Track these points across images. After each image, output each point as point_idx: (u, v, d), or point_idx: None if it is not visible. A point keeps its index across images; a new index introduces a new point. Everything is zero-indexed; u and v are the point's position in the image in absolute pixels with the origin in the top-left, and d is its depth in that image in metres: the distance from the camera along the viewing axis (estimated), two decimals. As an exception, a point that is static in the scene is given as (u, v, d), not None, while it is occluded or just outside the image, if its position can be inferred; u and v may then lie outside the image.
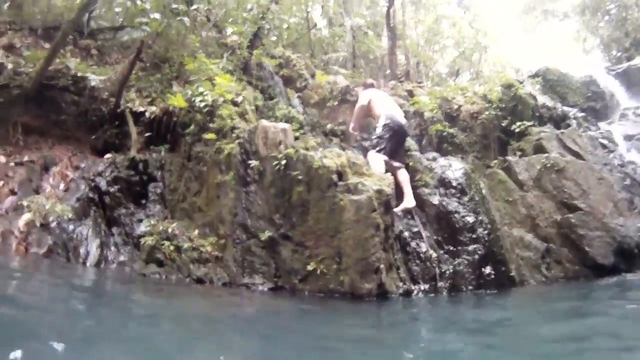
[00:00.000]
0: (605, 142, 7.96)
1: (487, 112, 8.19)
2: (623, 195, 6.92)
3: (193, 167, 6.40)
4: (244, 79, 7.87)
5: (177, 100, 6.77)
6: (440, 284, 5.50)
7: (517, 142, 7.94)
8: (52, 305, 3.96)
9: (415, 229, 5.84)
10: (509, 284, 5.77)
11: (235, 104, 6.74)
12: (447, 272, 5.61)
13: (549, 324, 4.15)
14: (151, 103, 7.75)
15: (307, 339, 3.60)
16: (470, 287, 5.60)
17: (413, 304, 5.11)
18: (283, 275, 5.20)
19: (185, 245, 5.60)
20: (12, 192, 6.60)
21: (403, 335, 3.96)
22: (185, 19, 8.17)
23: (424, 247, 5.67)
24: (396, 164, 6.30)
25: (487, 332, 3.97)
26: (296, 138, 6.23)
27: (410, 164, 6.53)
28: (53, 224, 5.98)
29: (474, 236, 5.90)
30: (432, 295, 5.38)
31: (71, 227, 6.01)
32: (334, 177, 5.24)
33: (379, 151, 6.27)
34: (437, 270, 5.54)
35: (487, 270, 5.73)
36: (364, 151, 6.71)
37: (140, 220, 6.22)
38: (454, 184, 6.31)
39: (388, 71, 10.85)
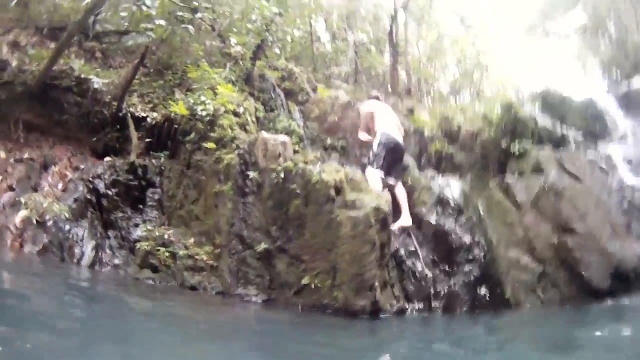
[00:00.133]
0: (603, 164, 7.96)
1: (487, 132, 8.21)
2: (621, 219, 6.89)
3: (192, 175, 6.40)
4: (245, 90, 7.89)
5: (178, 108, 6.79)
6: (434, 303, 5.49)
7: (516, 163, 7.94)
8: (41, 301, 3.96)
9: (411, 248, 5.84)
10: (503, 306, 5.74)
11: (236, 114, 6.75)
12: (442, 292, 5.60)
13: (540, 350, 4.12)
14: (153, 109, 7.77)
15: (295, 352, 3.58)
16: (464, 308, 5.58)
17: (406, 323, 5.10)
18: (277, 287, 5.19)
19: (181, 252, 5.60)
20: (10, 188, 6.59)
21: (392, 355, 3.94)
22: (190, 27, 8.20)
23: (419, 265, 5.66)
24: (392, 181, 6.31)
25: (478, 355, 3.96)
26: (296, 151, 6.25)
27: (409, 182, 6.54)
28: (49, 223, 5.97)
29: (470, 257, 5.89)
30: (426, 314, 5.36)
31: (67, 227, 6.00)
32: (332, 192, 5.24)
33: (375, 168, 6.29)
34: (432, 290, 5.54)
35: (482, 291, 5.72)
36: (363, 167, 6.72)
37: (137, 225, 6.23)
38: (452, 203, 6.32)
39: (389, 87, 10.89)
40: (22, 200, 6.16)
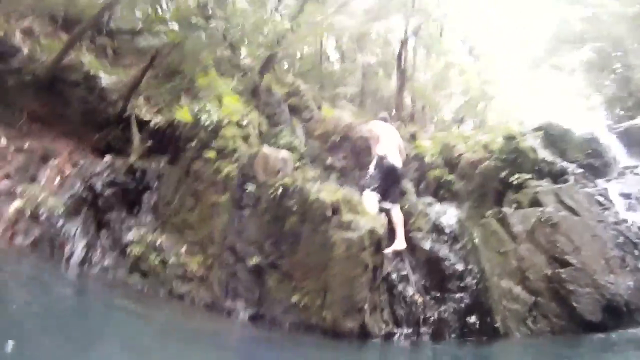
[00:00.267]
0: (601, 199, 7.96)
1: (487, 162, 8.23)
2: (616, 253, 6.88)
3: (190, 183, 6.40)
4: (251, 102, 7.93)
5: (183, 114, 6.81)
6: (423, 329, 5.45)
7: (514, 194, 7.94)
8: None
9: (403, 272, 5.82)
10: (493, 334, 5.71)
11: (239, 126, 6.79)
12: (432, 318, 5.56)
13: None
14: (158, 112, 7.80)
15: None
16: (453, 335, 5.54)
17: (393, 348, 5.06)
18: (265, 303, 5.15)
19: (172, 260, 5.58)
20: (7, 177, 6.57)
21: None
22: (202, 34, 8.27)
23: (410, 291, 5.63)
24: (388, 205, 6.32)
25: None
26: (296, 168, 6.25)
27: (406, 207, 6.55)
28: (42, 217, 5.97)
29: (462, 284, 5.88)
30: (414, 339, 5.32)
31: (60, 222, 6.00)
32: (328, 212, 5.24)
33: (372, 190, 6.31)
34: (422, 316, 5.50)
35: (472, 319, 5.69)
36: (361, 189, 6.73)
37: (130, 228, 6.21)
38: (447, 230, 6.32)
39: (394, 112, 10.96)
40: (18, 190, 6.13)
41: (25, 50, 7.48)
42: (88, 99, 7.65)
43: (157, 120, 7.53)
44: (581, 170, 9.10)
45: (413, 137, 9.11)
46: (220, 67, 8.82)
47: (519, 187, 8.00)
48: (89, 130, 7.64)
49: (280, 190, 5.50)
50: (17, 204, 6.04)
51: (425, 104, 12.27)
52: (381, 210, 6.15)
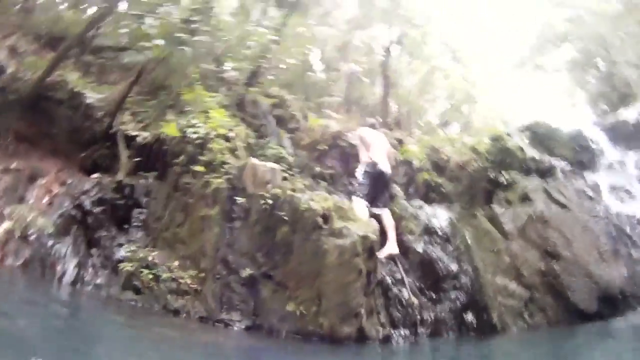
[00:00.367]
0: (590, 193, 8.07)
1: (475, 163, 8.29)
2: (607, 244, 6.99)
3: (179, 198, 6.37)
4: (237, 115, 7.93)
5: (170, 129, 6.79)
6: (420, 330, 5.47)
7: (503, 193, 8.00)
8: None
9: (397, 275, 5.83)
10: (490, 330, 5.77)
11: (227, 139, 6.77)
12: (429, 319, 5.59)
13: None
14: (144, 128, 7.76)
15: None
16: (451, 334, 5.59)
17: (392, 350, 5.06)
18: (261, 314, 5.13)
19: (165, 275, 5.53)
20: (-5, 198, 6.53)
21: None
22: (187, 49, 8.28)
23: (405, 293, 5.64)
24: (378, 210, 6.34)
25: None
26: (284, 179, 6.25)
27: (396, 211, 6.57)
28: (32, 237, 5.93)
29: (457, 284, 5.93)
30: (413, 340, 5.33)
31: (50, 242, 5.96)
32: (319, 220, 5.25)
33: (361, 197, 6.34)
34: (418, 317, 5.53)
35: (469, 317, 5.75)
36: (351, 196, 6.74)
37: (121, 245, 6.14)
38: (439, 232, 6.36)
39: (380, 119, 11.02)
40: (7, 211, 6.08)
41: (10, 69, 7.45)
42: (74, 117, 7.61)
43: (144, 136, 7.50)
44: (569, 166, 9.22)
45: (400, 142, 9.15)
46: (206, 81, 8.83)
47: (508, 185, 8.07)
48: (75, 148, 7.59)
49: (270, 201, 5.50)
50: (6, 225, 5.99)
51: (410, 109, 12.34)
52: (372, 215, 6.16)
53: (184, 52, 8.20)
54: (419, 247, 6.19)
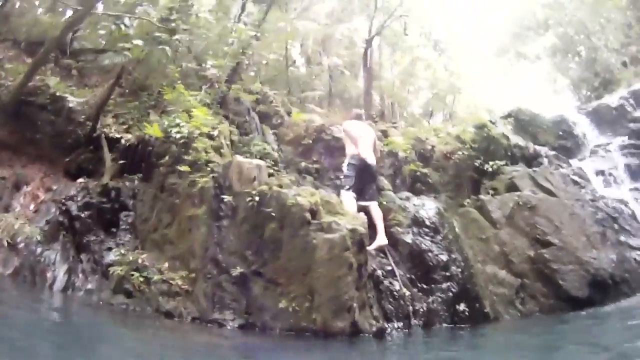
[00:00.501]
0: (576, 178, 8.16)
1: (460, 152, 8.33)
2: (595, 229, 7.05)
3: (166, 199, 6.30)
4: (220, 113, 7.87)
5: (153, 130, 6.72)
6: (413, 321, 5.47)
7: (489, 181, 8.08)
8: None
9: (388, 268, 5.82)
10: (483, 320, 5.78)
11: (211, 137, 6.71)
12: (421, 309, 5.59)
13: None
14: (127, 130, 7.70)
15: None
16: (444, 324, 5.60)
17: (386, 342, 5.06)
18: (254, 312, 5.09)
19: (155, 277, 5.46)
20: (-19, 208, 6.44)
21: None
22: (167, 48, 8.20)
23: (397, 285, 5.64)
24: (365, 202, 6.33)
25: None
26: (270, 175, 6.22)
27: (384, 202, 6.57)
28: (21, 245, 5.87)
29: (447, 274, 5.92)
30: (406, 332, 5.33)
31: (39, 249, 5.91)
32: (307, 215, 5.22)
33: (347, 190, 6.32)
34: (411, 308, 5.52)
35: (461, 307, 5.75)
36: (338, 190, 6.73)
37: (110, 249, 6.09)
38: (427, 223, 6.36)
39: (363, 111, 11.02)
40: (-7, 220, 6.01)
41: (-10, 77, 7.35)
42: (56, 122, 7.56)
43: (127, 138, 7.43)
44: (554, 152, 9.31)
45: (384, 134, 9.15)
46: (187, 79, 8.74)
47: (494, 174, 8.14)
48: (59, 153, 7.53)
49: (257, 198, 5.46)
50: (-7, 235, 5.91)
51: (393, 100, 12.35)
52: (360, 208, 6.15)
53: (164, 51, 8.12)
54: (408, 239, 6.19)
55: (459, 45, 15.36)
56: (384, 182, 7.30)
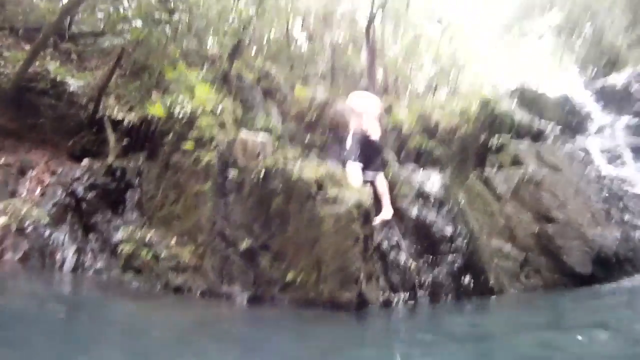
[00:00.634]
0: (582, 155, 8.11)
1: (465, 127, 8.29)
2: (600, 206, 7.02)
3: (171, 176, 6.31)
4: (223, 90, 7.83)
5: (156, 109, 6.70)
6: (419, 293, 5.51)
7: (495, 156, 8.04)
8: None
9: (394, 240, 5.85)
10: (488, 293, 5.80)
11: (214, 114, 6.68)
12: (427, 281, 5.62)
13: (525, 339, 4.12)
14: (130, 110, 7.70)
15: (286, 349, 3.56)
16: (449, 296, 5.63)
17: (392, 313, 5.10)
18: (262, 284, 5.14)
19: (163, 253, 5.50)
20: (-13, 195, 6.46)
21: (380, 346, 3.93)
22: (167, 28, 8.14)
23: (403, 257, 5.67)
24: (370, 175, 6.32)
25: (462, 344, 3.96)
26: (275, 150, 6.20)
27: (389, 176, 6.56)
28: (29, 229, 5.89)
29: (452, 246, 5.94)
30: (412, 304, 5.37)
31: (47, 232, 5.94)
32: (313, 188, 5.23)
33: (352, 163, 6.32)
34: (417, 280, 5.55)
35: (466, 280, 5.77)
36: (343, 163, 6.72)
37: (118, 228, 6.14)
38: (433, 196, 6.36)
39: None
40: (0, 207, 6.04)
41: (-11, 66, 7.33)
42: (58, 106, 7.53)
43: (130, 118, 7.43)
44: (559, 130, 9.23)
45: (389, 110, 9.10)
46: (188, 59, 8.69)
47: (500, 148, 8.09)
48: (62, 137, 7.53)
49: (262, 172, 5.47)
50: (1, 220, 5.94)
51: (397, 76, 12.27)
52: (365, 181, 6.15)
53: (164, 31, 8.07)
54: (413, 212, 6.20)
55: (463, 21, 15.19)
56: (389, 155, 7.29)
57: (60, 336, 3.43)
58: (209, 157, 5.92)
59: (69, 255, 5.87)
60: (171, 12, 8.61)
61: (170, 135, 6.54)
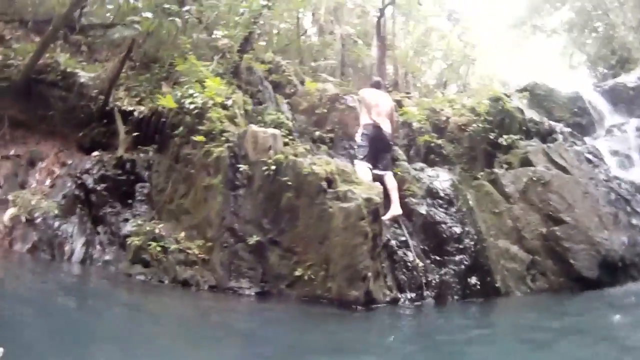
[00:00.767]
0: (591, 157, 8.05)
1: (474, 125, 8.24)
2: (608, 210, 6.98)
3: (181, 169, 6.33)
4: (233, 83, 7.82)
5: (166, 101, 6.70)
6: (426, 293, 5.50)
7: (504, 155, 8.00)
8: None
9: (402, 238, 5.84)
10: (494, 294, 5.78)
11: (224, 107, 6.69)
12: (434, 281, 5.61)
13: (529, 340, 4.12)
14: (140, 102, 7.70)
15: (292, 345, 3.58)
16: (456, 297, 5.61)
17: (399, 312, 5.11)
18: (270, 280, 5.16)
19: (172, 246, 5.52)
20: (-3, 186, 6.52)
21: (386, 345, 3.95)
22: (177, 19, 8.12)
23: (410, 256, 5.67)
24: (379, 172, 6.31)
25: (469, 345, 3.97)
26: (285, 144, 6.21)
27: (399, 173, 6.54)
28: (38, 220, 5.95)
29: (460, 246, 5.92)
30: (419, 304, 5.37)
31: (56, 224, 5.99)
32: (323, 184, 5.24)
33: (361, 159, 6.30)
34: (424, 280, 5.54)
35: (473, 280, 5.76)
36: (352, 159, 6.71)
37: (127, 220, 6.16)
38: (442, 194, 6.34)
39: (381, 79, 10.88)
40: (10, 197, 6.08)
41: (-1, 57, 7.33)
42: (68, 98, 7.56)
43: (140, 110, 7.43)
44: (569, 129, 9.17)
45: (398, 104, 9.06)
46: (198, 51, 8.67)
47: (509, 147, 8.05)
48: (72, 128, 7.56)
49: (273, 167, 5.47)
50: (11, 211, 6.01)
51: (407, 70, 12.20)
52: (374, 178, 6.14)
53: (174, 23, 8.05)
54: (422, 210, 6.18)
55: (474, 16, 15.10)
56: (398, 152, 7.26)
57: (67, 326, 3.46)
58: (219, 150, 5.93)
59: (78, 246, 5.92)
60: (181, 3, 8.60)
61: (181, 127, 6.55)
